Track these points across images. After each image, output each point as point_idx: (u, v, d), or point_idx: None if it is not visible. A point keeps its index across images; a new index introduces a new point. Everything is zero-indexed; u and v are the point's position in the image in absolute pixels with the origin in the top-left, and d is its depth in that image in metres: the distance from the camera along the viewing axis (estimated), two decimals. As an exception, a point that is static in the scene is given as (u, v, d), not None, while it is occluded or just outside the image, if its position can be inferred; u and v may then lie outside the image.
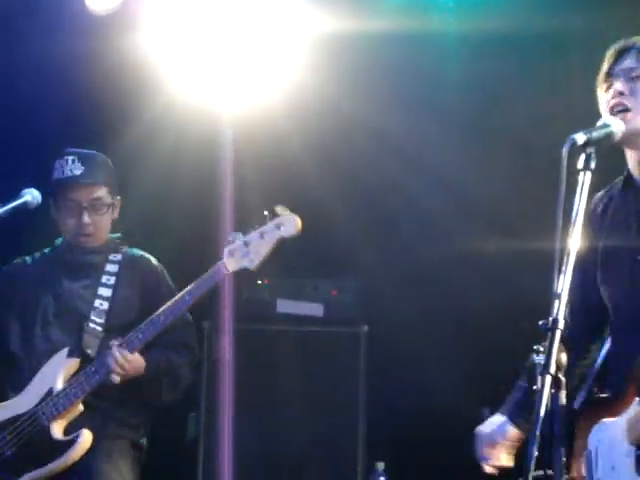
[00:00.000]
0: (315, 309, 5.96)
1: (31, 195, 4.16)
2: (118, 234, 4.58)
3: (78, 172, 4.34)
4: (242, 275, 5.72)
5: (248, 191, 5.56)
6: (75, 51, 5.17)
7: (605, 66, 3.27)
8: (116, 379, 4.06)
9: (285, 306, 5.97)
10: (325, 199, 5.84)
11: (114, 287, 4.35)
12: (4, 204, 4.08)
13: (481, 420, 5.83)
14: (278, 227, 4.01)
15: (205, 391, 5.77)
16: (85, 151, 4.45)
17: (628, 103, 3.16)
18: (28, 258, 4.53)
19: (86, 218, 4.33)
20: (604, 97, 3.25)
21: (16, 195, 4.15)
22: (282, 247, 5.78)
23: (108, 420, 4.21)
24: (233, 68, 5.57)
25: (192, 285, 4.11)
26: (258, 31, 5.49)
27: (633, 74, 3.20)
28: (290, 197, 5.80)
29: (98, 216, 4.38)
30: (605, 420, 3.12)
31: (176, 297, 4.13)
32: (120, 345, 4.07)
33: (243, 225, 5.40)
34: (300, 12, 5.36)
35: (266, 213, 4.01)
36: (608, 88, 3.24)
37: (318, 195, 5.82)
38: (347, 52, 5.39)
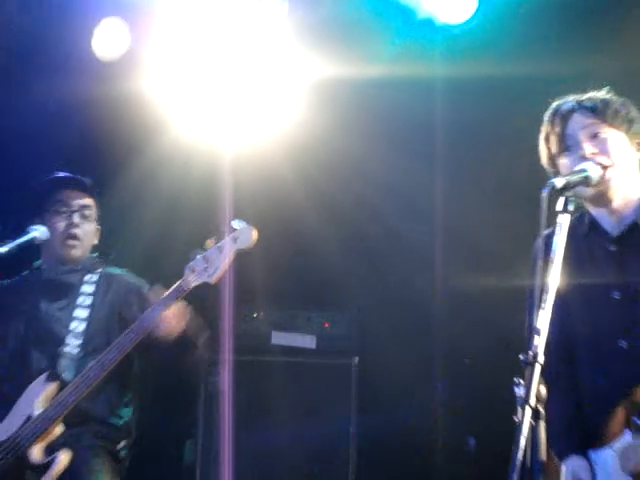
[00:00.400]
0: (308, 341, 5.98)
1: (39, 231, 4.15)
2: (95, 254, 4.45)
3: (69, 177, 4.33)
4: (238, 309, 5.81)
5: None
6: (83, 94, 5.16)
7: (557, 128, 3.26)
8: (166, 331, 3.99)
9: (279, 338, 5.99)
10: (319, 236, 5.86)
11: (90, 307, 4.24)
12: (13, 240, 4.06)
13: (467, 449, 5.91)
14: (234, 240, 3.95)
15: (202, 419, 5.78)
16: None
17: (605, 160, 3.17)
18: (5, 282, 4.40)
19: (76, 219, 4.27)
20: (569, 158, 3.24)
21: (23, 232, 4.14)
22: (277, 282, 5.86)
23: (84, 433, 4.09)
24: (234, 109, 5.59)
25: (157, 302, 4.01)
26: (257, 75, 5.50)
27: (593, 131, 3.22)
28: (285, 232, 5.87)
29: (87, 223, 4.32)
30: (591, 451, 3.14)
31: (143, 314, 4.03)
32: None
33: (238, 263, 5.47)
34: (297, 59, 5.38)
35: (224, 229, 3.96)
36: (570, 149, 3.23)
37: (312, 231, 5.85)
38: (341, 96, 5.41)
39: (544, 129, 3.33)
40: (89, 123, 5.29)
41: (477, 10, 5.25)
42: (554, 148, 3.30)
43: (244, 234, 3.93)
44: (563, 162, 3.28)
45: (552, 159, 3.33)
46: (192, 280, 3.95)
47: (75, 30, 5.28)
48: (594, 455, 3.15)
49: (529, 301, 3.37)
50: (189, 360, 4.22)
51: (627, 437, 3.08)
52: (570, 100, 3.31)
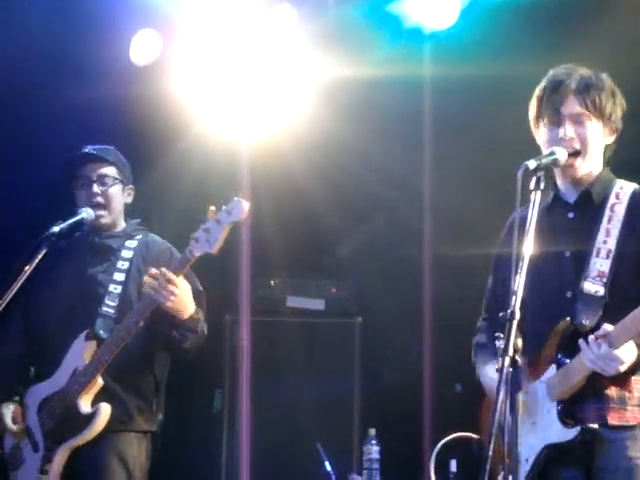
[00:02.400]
0: (318, 304, 6.00)
1: (86, 212, 4.06)
2: (137, 220, 4.28)
3: (89, 151, 4.17)
4: (258, 277, 5.81)
5: (264, 211, 5.60)
6: (120, 95, 5.16)
7: (552, 101, 3.20)
8: (168, 305, 3.79)
9: (293, 301, 6.01)
10: (327, 216, 5.84)
11: (127, 272, 4.07)
12: (64, 221, 3.99)
13: (454, 393, 5.92)
14: (229, 213, 3.73)
15: (228, 372, 5.79)
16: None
17: (578, 147, 3.17)
18: (60, 243, 4.11)
19: (95, 188, 4.09)
20: (551, 132, 3.20)
21: (74, 213, 4.06)
22: (290, 254, 5.86)
23: (122, 409, 3.93)
24: (251, 108, 5.55)
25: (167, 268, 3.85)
26: (272, 77, 5.46)
27: (579, 118, 3.18)
28: (298, 214, 5.87)
29: (105, 188, 4.11)
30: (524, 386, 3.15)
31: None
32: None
33: (257, 240, 5.46)
34: (306, 62, 5.36)
35: (221, 201, 3.76)
36: (553, 125, 3.19)
37: (321, 212, 5.82)
38: (343, 94, 5.39)
39: (541, 93, 3.25)
40: (124, 121, 5.25)
41: (460, 17, 5.21)
42: (545, 117, 3.24)
43: (237, 207, 3.73)
44: (543, 131, 3.24)
45: (537, 121, 3.28)
46: (196, 250, 3.78)
47: (114, 39, 5.26)
48: (529, 387, 3.15)
49: (495, 263, 3.42)
50: (189, 344, 3.97)
51: (552, 370, 3.11)
52: (573, 77, 3.22)
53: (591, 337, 2.98)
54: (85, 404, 3.87)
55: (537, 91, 3.29)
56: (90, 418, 3.85)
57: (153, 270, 3.82)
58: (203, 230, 3.78)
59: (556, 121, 3.19)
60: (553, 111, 3.20)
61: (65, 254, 4.19)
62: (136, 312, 3.88)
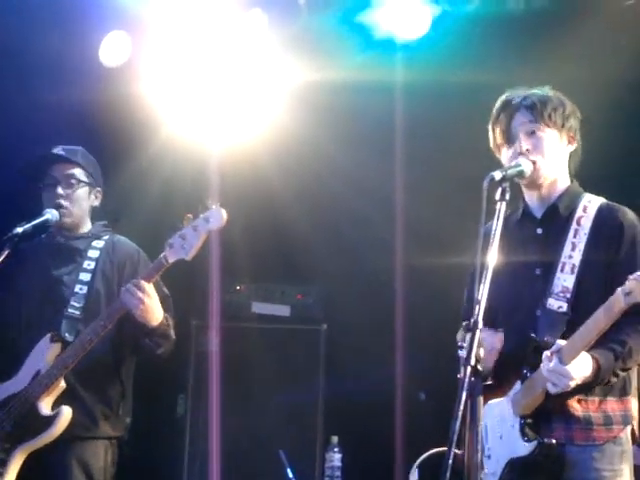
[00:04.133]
0: (283, 310, 6.00)
1: (51, 214, 4.03)
2: (104, 221, 4.26)
3: (57, 152, 4.13)
4: (224, 282, 5.79)
5: (232, 216, 5.57)
6: (90, 96, 5.13)
7: (502, 123, 3.28)
8: (138, 313, 3.78)
9: (259, 307, 6.00)
10: (295, 221, 5.82)
11: (93, 272, 4.04)
12: (28, 222, 3.96)
13: (418, 402, 5.93)
14: (207, 220, 3.72)
15: (192, 376, 5.78)
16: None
17: (534, 157, 3.21)
18: (25, 245, 4.11)
19: (59, 190, 4.05)
20: (509, 150, 3.26)
21: (38, 214, 4.03)
22: (257, 260, 5.84)
23: (87, 415, 3.91)
24: (222, 112, 5.54)
25: (142, 274, 3.87)
26: (242, 81, 5.45)
27: (530, 129, 3.24)
28: (265, 218, 5.85)
29: (70, 190, 4.07)
30: (491, 401, 3.19)
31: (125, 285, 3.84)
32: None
33: (224, 245, 5.44)
34: (277, 65, 5.36)
35: (200, 207, 3.75)
36: (509, 143, 3.26)
37: (291, 219, 5.81)
38: (315, 100, 5.39)
39: (493, 119, 3.35)
40: (92, 122, 5.21)
41: (431, 27, 5.24)
42: (499, 139, 3.33)
43: (215, 215, 3.71)
44: (504, 152, 3.32)
45: (497, 146, 3.37)
46: (171, 255, 3.76)
47: (83, 39, 5.22)
48: (494, 405, 3.19)
49: (469, 277, 3.40)
50: (162, 350, 3.98)
51: (517, 386, 3.14)
52: (517, 96, 3.31)
53: (546, 353, 3.01)
54: (46, 406, 3.83)
55: (491, 122, 3.37)
56: (50, 420, 3.80)
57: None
58: (179, 236, 3.76)
59: (511, 138, 3.26)
60: (506, 130, 3.27)
61: (30, 256, 4.15)
62: (105, 316, 3.85)
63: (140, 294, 3.76)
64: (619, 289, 2.88)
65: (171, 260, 3.78)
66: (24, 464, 3.83)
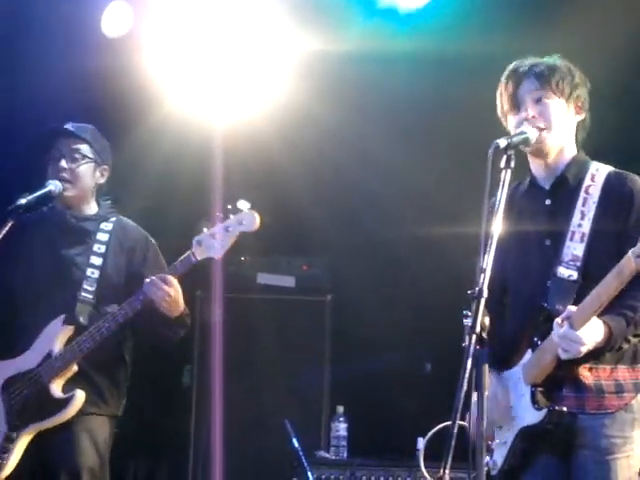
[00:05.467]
0: (288, 281, 5.99)
1: (54, 185, 4.01)
2: (108, 201, 4.22)
3: (58, 126, 4.14)
4: (227, 252, 5.79)
5: (236, 188, 5.56)
6: (90, 66, 5.10)
7: (509, 89, 3.27)
8: (164, 305, 3.82)
9: (264, 278, 5.99)
10: (300, 193, 5.80)
11: (104, 256, 4.03)
12: (31, 193, 3.94)
13: (424, 372, 5.95)
14: (240, 223, 3.74)
15: (197, 348, 5.79)
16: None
17: (542, 125, 3.19)
18: (27, 216, 4.03)
19: (63, 163, 4.04)
20: (515, 117, 3.25)
21: (41, 186, 4.01)
22: (262, 231, 5.83)
23: (98, 395, 3.95)
24: (224, 85, 5.48)
25: (168, 269, 3.92)
26: (246, 52, 5.40)
27: (538, 96, 3.22)
28: (270, 192, 5.83)
29: (74, 164, 4.06)
30: (502, 372, 3.20)
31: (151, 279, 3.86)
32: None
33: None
34: (281, 36, 5.32)
35: (230, 207, 3.77)
36: (516, 110, 3.25)
37: (295, 190, 5.79)
38: (319, 70, 5.36)
39: (501, 86, 3.33)
40: (93, 94, 5.17)
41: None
42: (506, 105, 3.31)
43: (248, 219, 3.74)
44: (510, 119, 3.30)
45: (504, 114, 3.35)
46: (199, 253, 3.79)
47: (84, 9, 5.17)
48: (507, 373, 3.20)
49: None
50: (178, 337, 4.08)
51: (528, 355, 3.15)
52: (525, 64, 3.29)
53: (557, 319, 3.01)
54: (57, 388, 3.85)
55: (499, 89, 3.35)
56: (64, 403, 3.83)
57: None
58: (210, 235, 3.78)
59: (517, 105, 3.25)
60: (513, 97, 3.26)
61: (37, 230, 4.13)
62: (128, 305, 3.85)
63: (167, 288, 3.80)
64: (630, 251, 2.87)
65: (199, 258, 3.81)
66: (33, 446, 3.86)
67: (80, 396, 3.84)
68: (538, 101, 3.22)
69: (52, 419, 3.83)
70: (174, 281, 3.83)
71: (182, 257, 3.87)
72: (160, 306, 3.84)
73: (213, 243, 3.76)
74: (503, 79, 3.32)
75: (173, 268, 3.88)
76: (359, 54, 5.25)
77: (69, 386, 3.87)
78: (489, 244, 2.77)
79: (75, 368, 3.87)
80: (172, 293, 3.82)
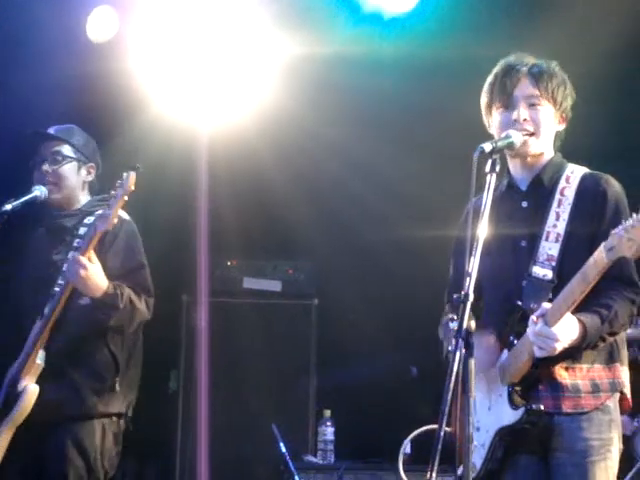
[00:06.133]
0: (275, 285, 5.99)
1: (40, 190, 4.02)
2: (101, 195, 4.13)
3: (38, 131, 4.16)
4: (215, 258, 5.78)
5: (222, 192, 5.57)
6: (75, 71, 5.08)
7: (504, 85, 3.22)
8: (78, 285, 3.76)
9: (250, 283, 5.99)
10: (286, 197, 5.81)
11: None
12: (16, 198, 3.95)
13: (411, 375, 5.96)
14: (121, 187, 3.75)
15: (184, 352, 5.78)
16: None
17: (531, 129, 3.18)
18: (11, 219, 4.02)
19: (45, 167, 4.06)
20: (504, 115, 3.22)
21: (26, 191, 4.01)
22: (248, 236, 5.84)
23: (74, 393, 3.84)
24: (210, 89, 5.48)
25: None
26: (231, 56, 5.40)
27: (532, 101, 3.20)
28: (257, 197, 5.84)
29: (56, 166, 4.07)
30: (480, 373, 3.15)
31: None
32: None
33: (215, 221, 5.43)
34: (266, 40, 5.32)
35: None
36: (506, 109, 3.21)
37: (281, 194, 5.79)
38: (305, 74, 5.36)
39: (492, 79, 3.28)
40: (79, 99, 5.15)
41: (419, 0, 5.21)
42: (495, 100, 3.26)
43: (125, 180, 3.75)
44: (495, 115, 3.26)
45: (488, 107, 3.30)
46: (99, 225, 3.77)
47: (69, 14, 5.16)
48: (482, 377, 3.18)
49: (455, 248, 3.41)
50: (114, 321, 3.88)
51: (504, 354, 3.14)
52: (524, 62, 3.25)
53: (532, 317, 3.01)
54: (22, 385, 3.81)
55: (489, 78, 3.30)
56: (17, 397, 3.79)
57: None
58: (107, 206, 3.80)
59: (509, 104, 3.21)
60: (506, 94, 3.21)
61: (23, 239, 4.14)
62: (59, 287, 3.85)
63: (76, 266, 3.74)
64: (602, 244, 2.87)
65: (99, 229, 3.76)
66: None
67: (31, 390, 3.77)
68: (531, 105, 3.20)
69: (12, 413, 3.78)
70: (83, 259, 3.74)
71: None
72: (77, 287, 3.78)
73: (106, 213, 3.77)
74: (497, 71, 3.27)
75: (80, 245, 3.85)
76: (344, 58, 5.25)
77: (46, 385, 3.81)
78: (474, 247, 2.77)
79: (39, 362, 3.80)
80: (81, 271, 3.73)
